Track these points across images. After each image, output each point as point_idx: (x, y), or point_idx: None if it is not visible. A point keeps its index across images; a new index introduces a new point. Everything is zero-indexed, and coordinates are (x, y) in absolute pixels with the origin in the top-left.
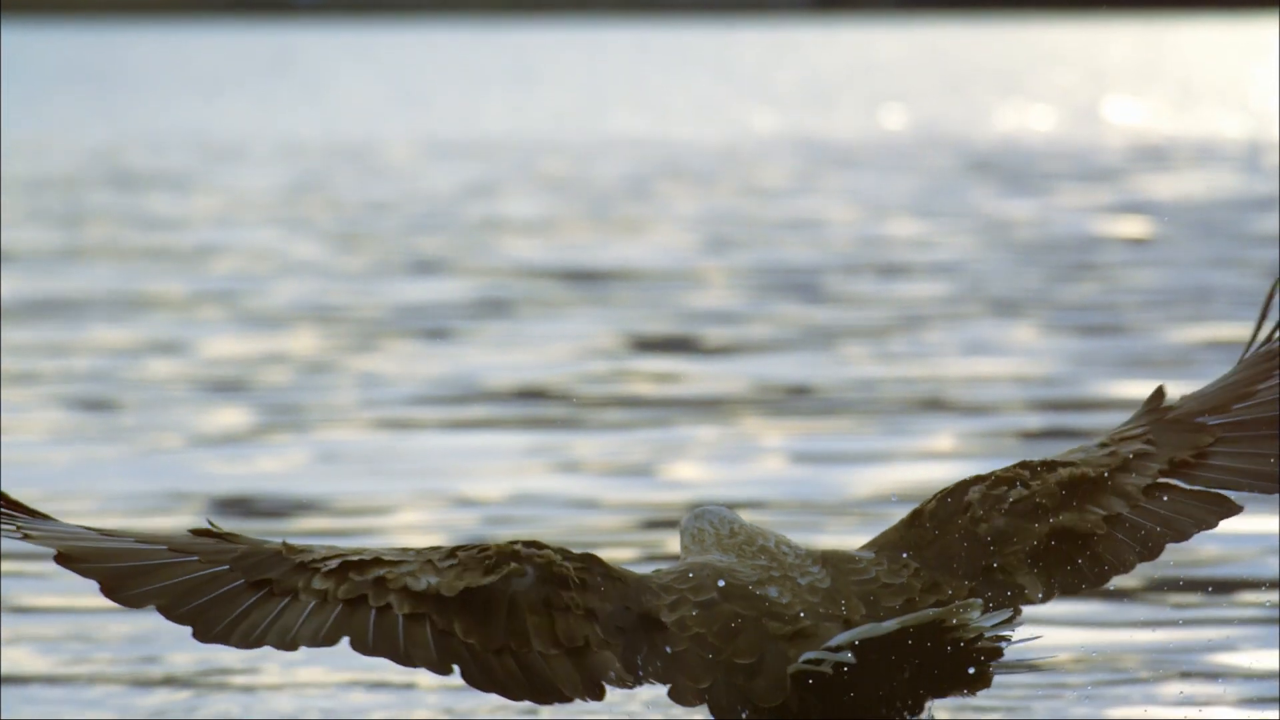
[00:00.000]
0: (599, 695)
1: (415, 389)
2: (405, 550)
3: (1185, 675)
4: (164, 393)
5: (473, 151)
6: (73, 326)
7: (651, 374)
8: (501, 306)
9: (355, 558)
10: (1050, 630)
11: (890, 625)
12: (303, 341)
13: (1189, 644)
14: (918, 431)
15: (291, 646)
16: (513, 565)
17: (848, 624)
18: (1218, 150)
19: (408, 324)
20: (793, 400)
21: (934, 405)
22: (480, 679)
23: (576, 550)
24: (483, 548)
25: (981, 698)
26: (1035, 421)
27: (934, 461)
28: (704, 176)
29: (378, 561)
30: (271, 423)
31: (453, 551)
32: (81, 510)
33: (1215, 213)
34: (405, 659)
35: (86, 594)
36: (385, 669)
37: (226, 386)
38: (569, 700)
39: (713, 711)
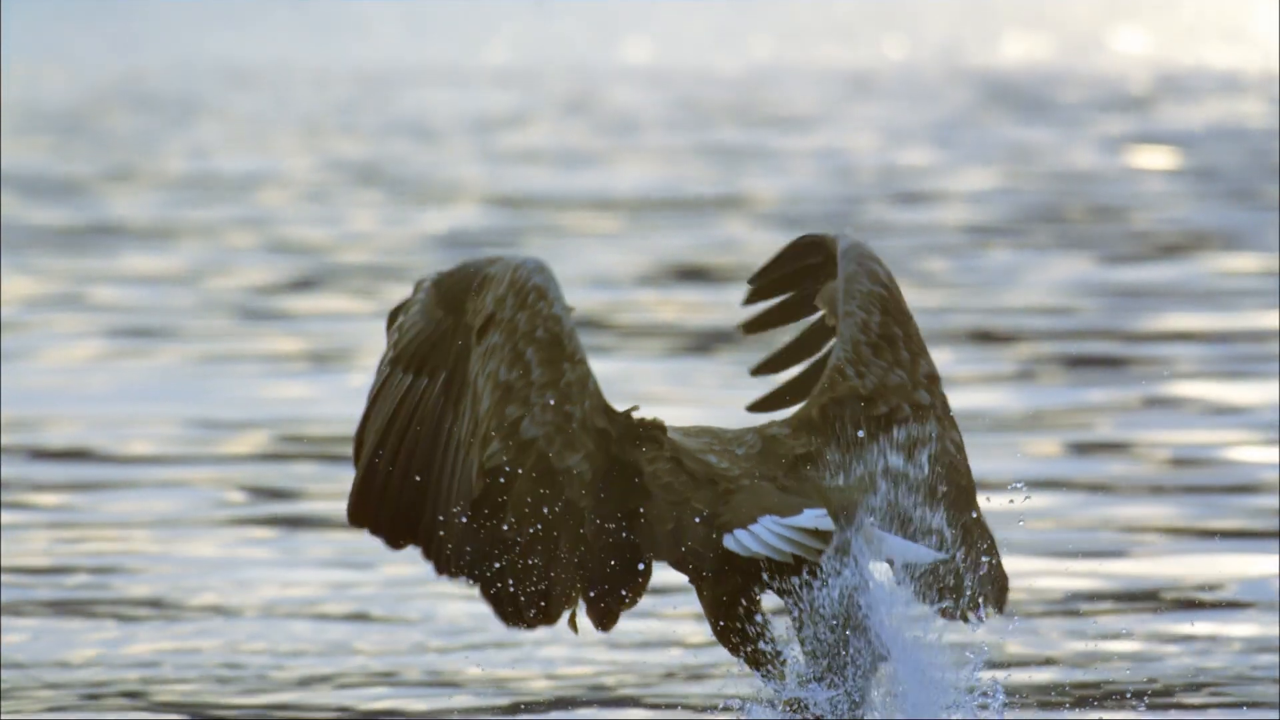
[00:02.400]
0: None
1: None
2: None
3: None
4: (200, 319)
5: (494, 80)
6: (110, 254)
7: (682, 303)
8: (522, 235)
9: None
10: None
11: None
12: (335, 271)
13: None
14: (948, 361)
15: None
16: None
17: (773, 480)
18: (1237, 80)
19: (435, 253)
20: None
21: (974, 334)
22: None
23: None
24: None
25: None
26: (1055, 349)
27: (958, 389)
28: (720, 105)
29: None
30: (313, 350)
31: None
32: (121, 434)
33: (1239, 142)
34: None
35: None
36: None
37: (263, 315)
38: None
39: (666, 550)
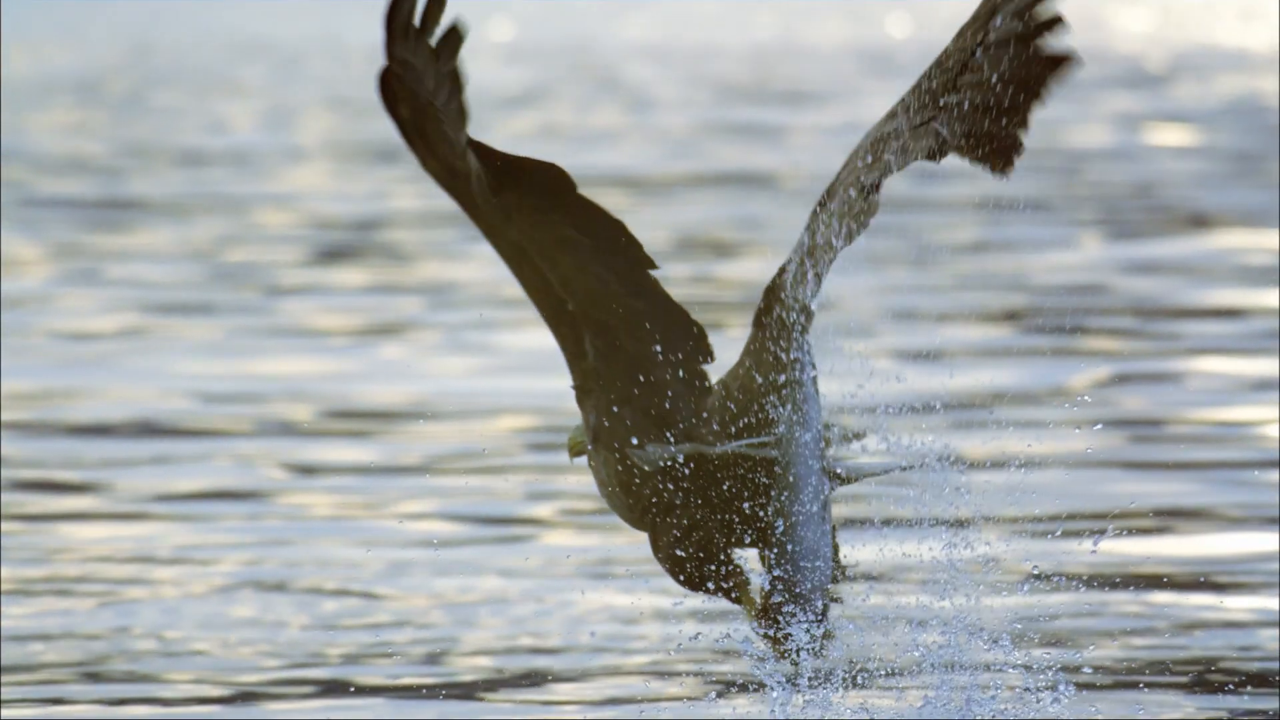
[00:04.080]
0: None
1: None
2: None
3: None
4: (228, 293)
5: (503, 57)
6: (133, 229)
7: (726, 280)
8: None
9: None
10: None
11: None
12: (362, 251)
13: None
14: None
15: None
16: None
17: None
18: (1251, 58)
19: (459, 229)
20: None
21: (992, 310)
22: None
23: None
24: None
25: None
26: (1074, 324)
27: (975, 365)
28: (732, 81)
29: None
30: (351, 324)
31: None
32: (146, 403)
33: (1255, 119)
34: None
35: None
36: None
37: (287, 291)
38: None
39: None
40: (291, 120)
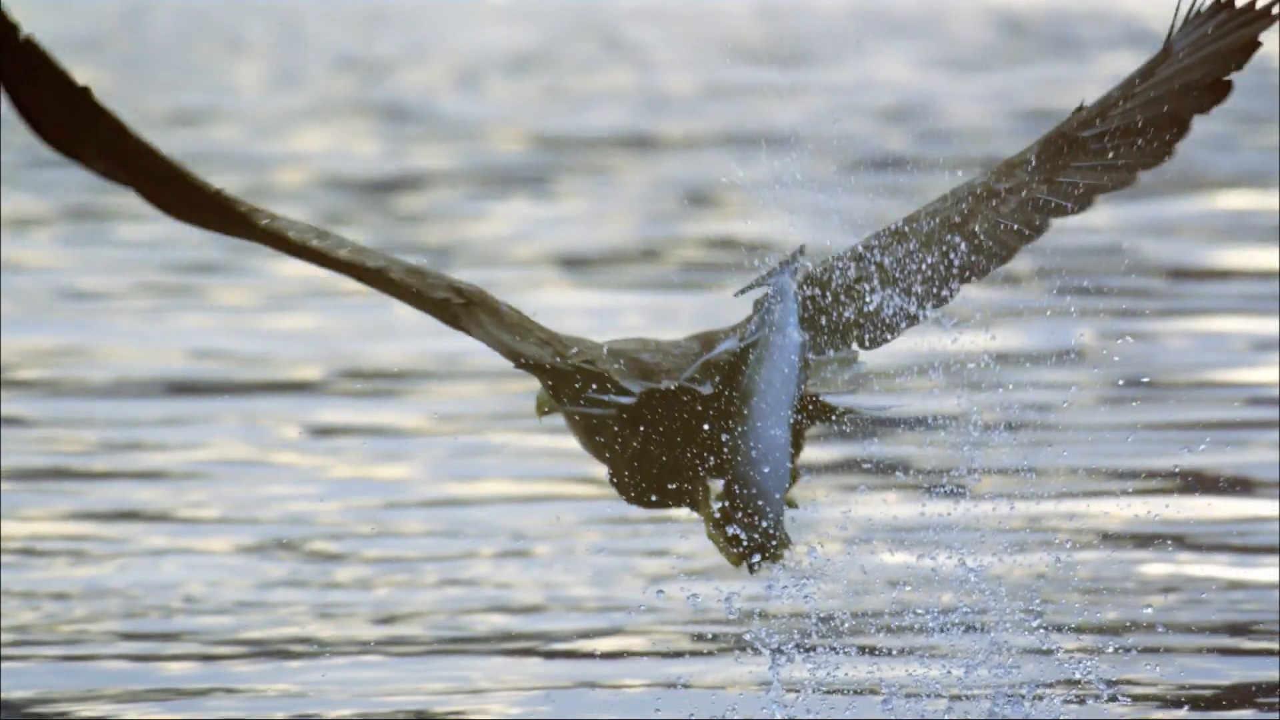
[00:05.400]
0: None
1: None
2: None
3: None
4: (247, 257)
5: (502, 17)
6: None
7: (732, 239)
8: (559, 173)
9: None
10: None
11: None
12: (367, 215)
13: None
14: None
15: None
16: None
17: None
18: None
19: (482, 187)
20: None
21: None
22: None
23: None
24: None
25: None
26: (1088, 284)
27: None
28: (740, 42)
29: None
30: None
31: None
32: (160, 363)
33: (1261, 77)
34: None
35: None
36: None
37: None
38: (528, 361)
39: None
40: (297, 80)
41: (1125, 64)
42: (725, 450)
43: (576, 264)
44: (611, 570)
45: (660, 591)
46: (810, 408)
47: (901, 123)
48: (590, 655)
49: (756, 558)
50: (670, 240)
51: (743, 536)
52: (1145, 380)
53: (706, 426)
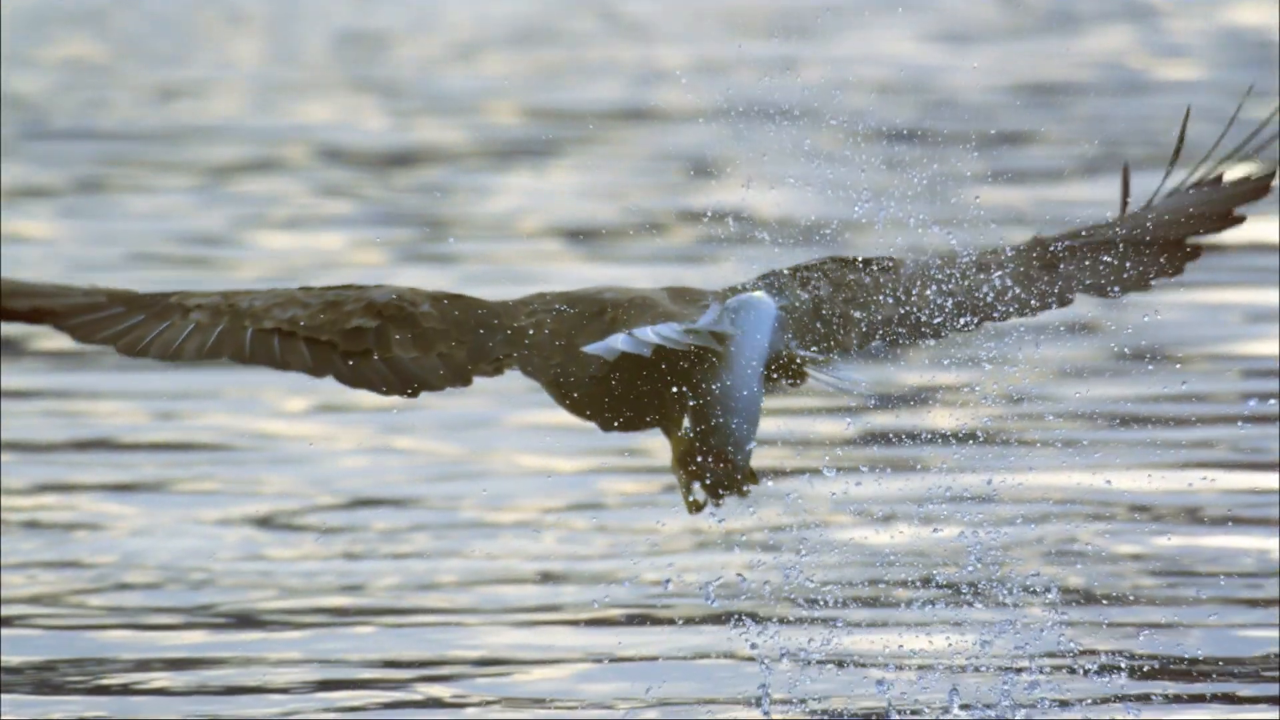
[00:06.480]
0: (466, 382)
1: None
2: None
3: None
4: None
5: None
6: (145, 162)
7: (735, 210)
8: (560, 146)
9: (235, 296)
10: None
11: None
12: (368, 189)
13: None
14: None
15: (175, 358)
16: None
17: (669, 316)
18: None
19: (490, 159)
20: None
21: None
22: (351, 379)
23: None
24: (342, 298)
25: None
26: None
27: None
28: (739, 16)
29: (251, 294)
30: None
31: (323, 293)
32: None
33: (1256, 51)
34: (282, 365)
35: None
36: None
37: (305, 222)
38: (438, 389)
39: (553, 385)
40: (297, 53)
41: (1123, 39)
42: (700, 398)
43: (580, 236)
44: (626, 544)
45: (671, 573)
46: (785, 364)
47: (901, 96)
48: (613, 623)
49: (719, 493)
50: (673, 212)
51: (707, 470)
52: (1149, 356)
53: (684, 366)
